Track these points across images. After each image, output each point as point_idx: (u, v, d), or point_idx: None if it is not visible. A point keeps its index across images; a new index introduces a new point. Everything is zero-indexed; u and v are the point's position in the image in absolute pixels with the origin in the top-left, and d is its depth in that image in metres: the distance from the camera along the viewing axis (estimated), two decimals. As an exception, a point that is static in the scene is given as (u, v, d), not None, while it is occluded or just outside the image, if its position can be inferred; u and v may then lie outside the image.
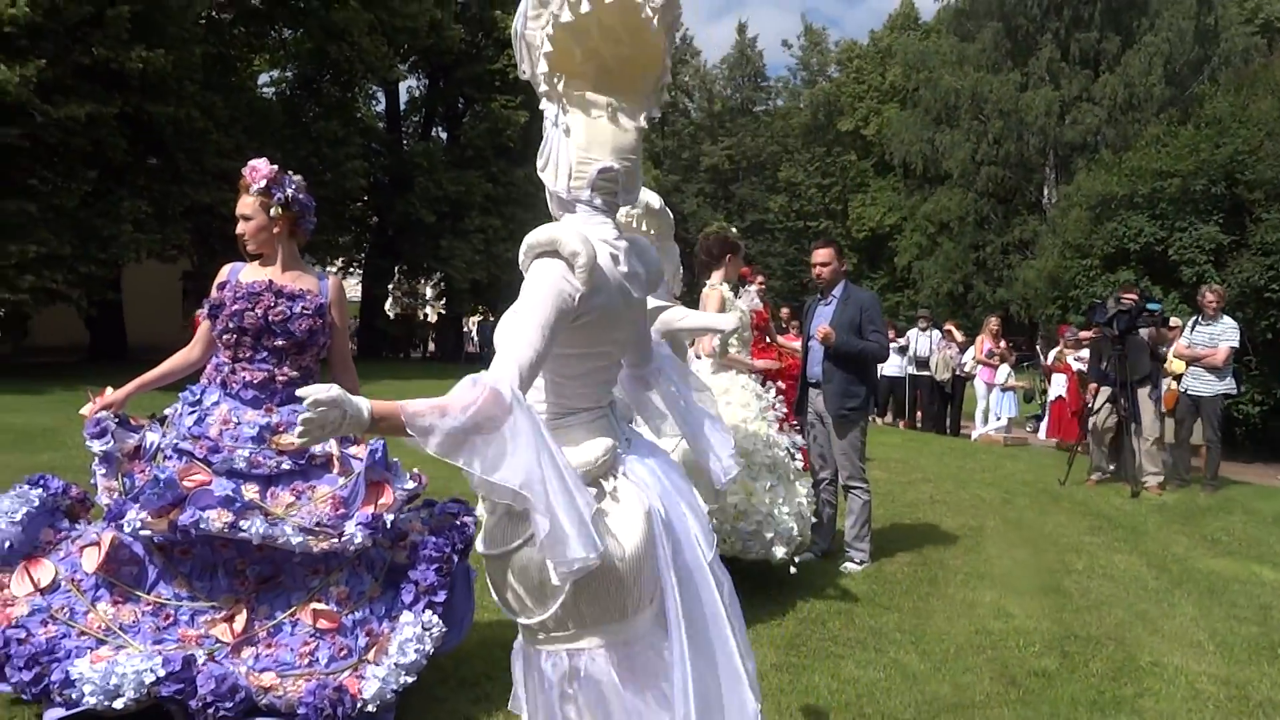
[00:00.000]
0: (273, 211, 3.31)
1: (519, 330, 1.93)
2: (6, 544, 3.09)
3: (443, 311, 32.95)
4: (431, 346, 32.19)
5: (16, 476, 3.57)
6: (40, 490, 3.34)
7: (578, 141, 2.12)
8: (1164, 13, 29.64)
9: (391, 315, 32.54)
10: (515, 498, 1.80)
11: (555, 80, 2.10)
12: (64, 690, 2.81)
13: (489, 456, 1.78)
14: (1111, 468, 9.42)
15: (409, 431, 1.75)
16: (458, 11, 27.17)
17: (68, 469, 7.09)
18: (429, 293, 36.05)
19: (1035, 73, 31.42)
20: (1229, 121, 14.23)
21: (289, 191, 3.34)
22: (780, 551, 4.64)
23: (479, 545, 2.16)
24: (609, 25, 2.09)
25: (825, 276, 5.79)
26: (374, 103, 30.77)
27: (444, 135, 31.42)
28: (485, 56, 28.17)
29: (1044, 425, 13.76)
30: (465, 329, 31.48)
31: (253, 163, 3.35)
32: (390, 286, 32.26)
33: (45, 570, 3.09)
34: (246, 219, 3.33)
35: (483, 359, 28.40)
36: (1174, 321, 10.15)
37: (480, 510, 3.51)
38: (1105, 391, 9.11)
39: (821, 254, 5.83)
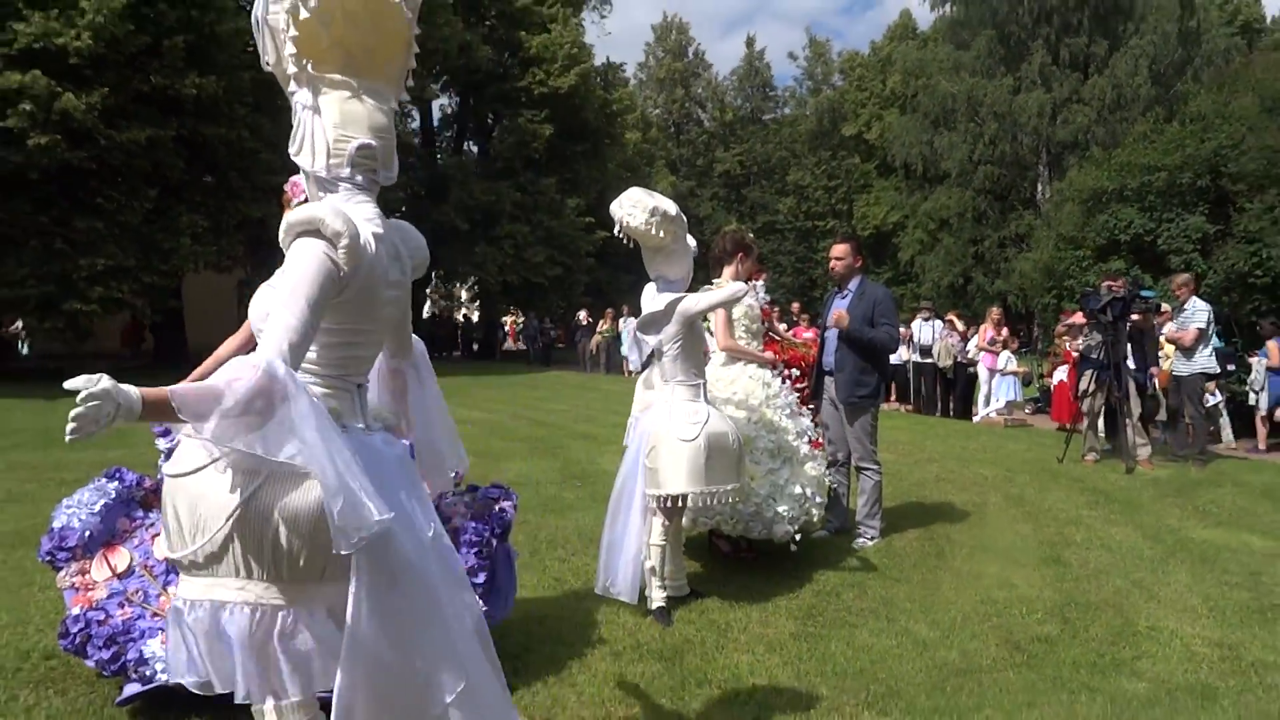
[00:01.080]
0: None
1: (285, 309, 1.82)
2: (87, 533, 3.13)
3: (472, 314, 33.11)
4: (474, 346, 32.27)
5: (93, 472, 3.62)
6: (116, 483, 3.37)
7: (332, 120, 2.04)
8: (1149, 16, 29.28)
9: (427, 316, 32.66)
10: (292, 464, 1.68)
11: (304, 64, 2.01)
12: (139, 668, 2.85)
13: (270, 438, 1.66)
14: (1108, 447, 9.34)
15: (182, 417, 1.61)
16: (485, 34, 27.22)
17: (137, 464, 7.19)
18: (463, 295, 36.20)
19: (1027, 76, 31.11)
20: (1212, 118, 14.04)
21: None
22: (781, 530, 4.63)
23: (165, 467, 2.00)
24: (352, 11, 2.01)
25: (839, 270, 5.77)
26: (409, 120, 30.86)
27: (475, 149, 31.50)
28: (512, 75, 28.21)
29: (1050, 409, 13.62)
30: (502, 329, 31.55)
31: (293, 179, 3.36)
32: (428, 290, 32.41)
33: (121, 557, 3.13)
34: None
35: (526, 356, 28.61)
36: (1165, 308, 10.04)
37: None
38: (1095, 375, 9.02)
39: (837, 249, 5.80)
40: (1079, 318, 9.80)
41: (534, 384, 18.70)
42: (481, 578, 3.29)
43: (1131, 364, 9.07)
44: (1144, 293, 8.88)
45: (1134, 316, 8.79)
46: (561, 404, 14.26)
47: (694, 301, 4.13)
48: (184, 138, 15.85)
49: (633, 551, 4.15)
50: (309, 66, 2.02)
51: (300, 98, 2.06)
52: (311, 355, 2.00)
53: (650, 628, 3.96)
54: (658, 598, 4.11)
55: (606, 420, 11.65)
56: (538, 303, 28.92)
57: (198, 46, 15.45)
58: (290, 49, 1.99)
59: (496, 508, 3.52)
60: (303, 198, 3.29)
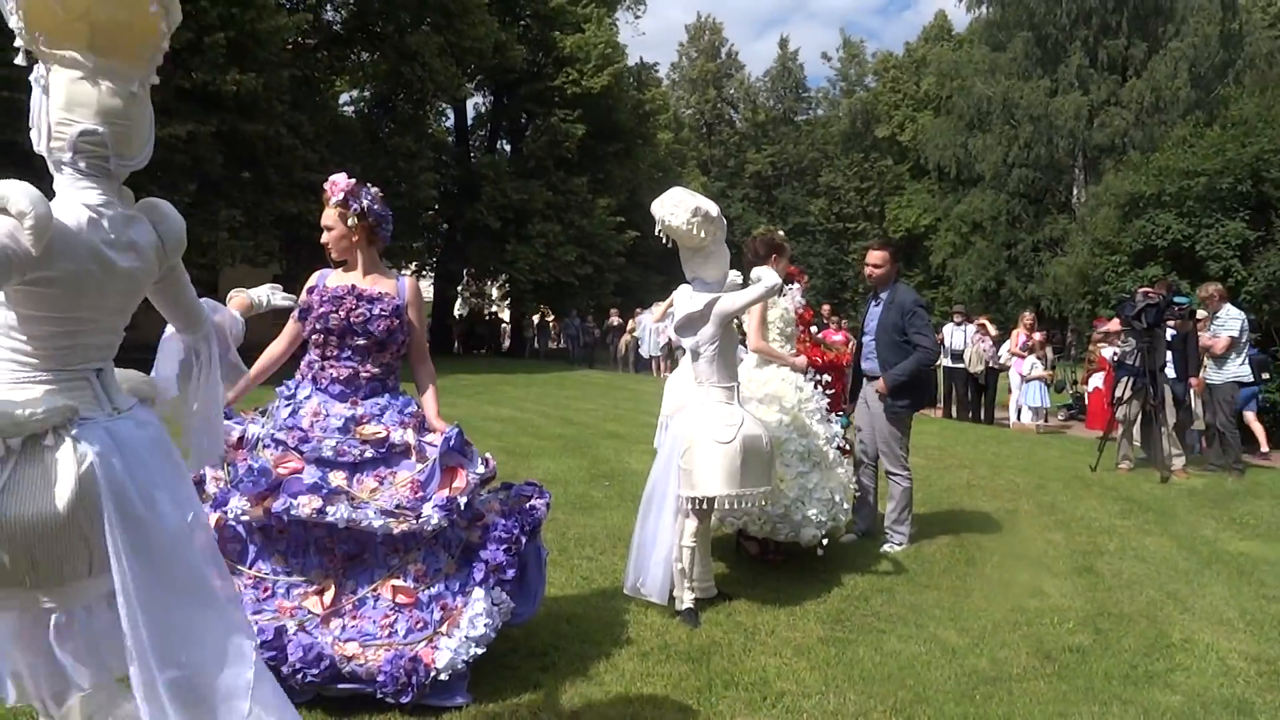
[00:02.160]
0: (350, 221, 3.35)
1: None
2: None
3: (501, 312, 33.27)
4: (507, 343, 32.38)
5: None
6: None
7: (58, 102, 1.94)
8: (1189, 18, 28.77)
9: (459, 315, 32.85)
10: None
11: (36, 37, 1.90)
12: None
13: None
14: (1143, 455, 9.20)
15: None
16: (519, 33, 27.33)
17: (174, 455, 7.31)
18: (494, 294, 36.37)
19: (1064, 79, 30.71)
20: (1255, 122, 13.76)
21: (365, 203, 3.38)
22: (809, 533, 4.61)
23: None
24: None
25: (875, 277, 5.73)
26: (444, 119, 31.05)
27: (508, 148, 31.63)
28: (546, 74, 28.30)
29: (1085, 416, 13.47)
30: (532, 328, 31.57)
31: (333, 178, 3.40)
32: (460, 288, 32.59)
33: None
34: (329, 229, 3.38)
35: (567, 355, 28.63)
36: (1200, 314, 9.87)
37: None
38: (1131, 382, 8.89)
39: (874, 256, 5.75)
40: (1115, 324, 9.65)
41: (562, 383, 18.75)
42: (510, 574, 3.31)
43: (1172, 372, 8.94)
44: (1178, 299, 8.73)
45: (1169, 323, 8.65)
46: (590, 403, 14.29)
47: (730, 301, 4.11)
48: (223, 133, 16.05)
49: (664, 552, 4.15)
50: (41, 41, 1.91)
51: (36, 73, 1.97)
52: (27, 348, 1.96)
53: (677, 629, 3.96)
54: (686, 599, 4.11)
55: (635, 420, 11.66)
56: (569, 301, 28.99)
57: (238, 43, 15.63)
58: (17, 21, 1.87)
59: (528, 504, 3.53)
60: (342, 195, 3.33)
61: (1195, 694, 3.51)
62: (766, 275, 4.15)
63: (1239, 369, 9.00)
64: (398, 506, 3.10)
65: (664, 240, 4.13)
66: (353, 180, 3.40)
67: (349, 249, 3.39)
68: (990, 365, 13.82)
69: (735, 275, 4.43)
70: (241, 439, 3.28)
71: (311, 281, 3.44)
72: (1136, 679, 3.63)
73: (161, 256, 2.21)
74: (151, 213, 2.17)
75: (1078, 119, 29.92)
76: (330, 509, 3.04)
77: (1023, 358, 13.29)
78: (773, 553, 5.11)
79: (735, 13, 73.78)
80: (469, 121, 31.36)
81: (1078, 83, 30.46)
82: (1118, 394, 9.06)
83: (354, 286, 3.34)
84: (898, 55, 47.05)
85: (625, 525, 4.75)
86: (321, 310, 3.29)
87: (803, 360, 5.29)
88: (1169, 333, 8.90)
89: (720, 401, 4.14)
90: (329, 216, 3.38)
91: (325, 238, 3.40)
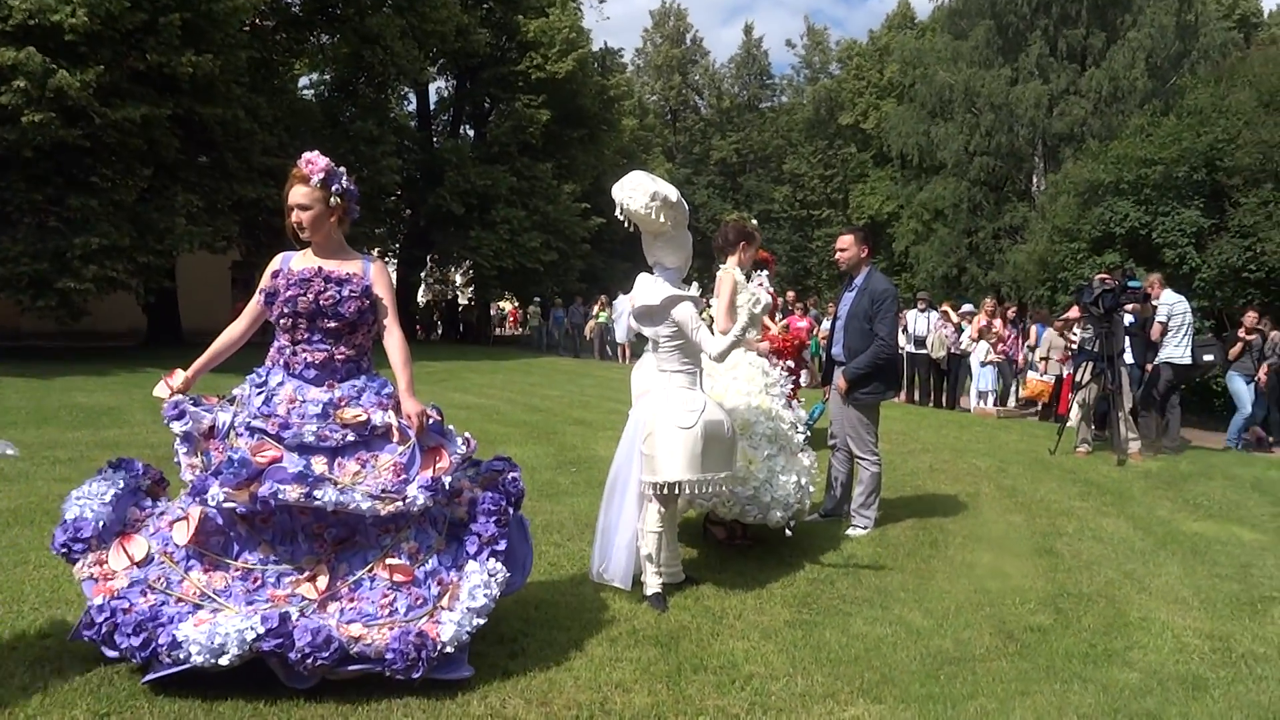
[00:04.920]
0: (332, 201, 3.29)
1: None
2: (100, 523, 3.11)
3: (467, 298, 33.01)
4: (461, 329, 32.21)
5: (87, 451, 3.61)
6: (124, 473, 3.36)
7: None
8: (1146, 9, 29.19)
9: (422, 302, 32.58)
10: None
11: None
12: (171, 652, 2.84)
13: None
14: (1101, 438, 9.39)
15: None
16: (482, 17, 27.05)
17: (131, 445, 7.16)
18: (458, 280, 36.10)
19: (1025, 68, 31.01)
20: (1209, 112, 14.05)
21: (344, 183, 3.33)
22: (777, 515, 4.64)
23: None
24: None
25: (843, 261, 5.75)
26: (406, 103, 30.67)
27: (471, 133, 31.37)
28: (509, 59, 28.07)
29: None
30: (492, 313, 31.41)
31: (307, 156, 3.30)
32: (423, 274, 32.31)
33: (138, 546, 3.12)
34: (305, 208, 3.27)
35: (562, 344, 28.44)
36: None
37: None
38: (1090, 366, 9.06)
39: (841, 240, 5.77)
40: (1074, 312, 9.82)
41: (528, 369, 18.68)
42: (502, 545, 3.33)
43: (1131, 358, 9.13)
44: (1131, 283, 8.90)
45: (1127, 308, 8.82)
46: (556, 389, 14.25)
47: (715, 346, 4.04)
48: (179, 117, 15.69)
49: (627, 537, 4.16)
50: None
51: None
52: None
53: (646, 613, 3.96)
54: (653, 584, 4.11)
55: (601, 406, 11.65)
56: (534, 287, 28.84)
57: (194, 24, 15.26)
58: None
59: (507, 477, 3.56)
60: (322, 175, 3.27)
61: (1152, 671, 3.58)
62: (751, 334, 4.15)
63: (1172, 351, 9.31)
64: (383, 491, 3.08)
65: (626, 224, 4.11)
66: (328, 159, 3.32)
67: (325, 229, 3.32)
68: (952, 351, 13.99)
69: (694, 288, 4.35)
70: (212, 428, 3.22)
71: (275, 265, 3.36)
72: (1096, 657, 3.71)
73: None
74: None
75: (1038, 108, 30.26)
76: (318, 493, 3.01)
77: (977, 342, 13.47)
78: (740, 538, 5.13)
79: (699, 0, 73.69)
80: (431, 106, 31.06)
81: (1038, 72, 30.79)
82: (1077, 378, 9.21)
83: (321, 269, 3.28)
84: (861, 43, 47.22)
85: (592, 511, 4.75)
86: (289, 294, 3.23)
87: (765, 345, 5.32)
88: (1128, 318, 9.07)
89: (682, 387, 4.14)
90: (305, 195, 3.26)
91: (298, 217, 3.27)
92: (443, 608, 3.13)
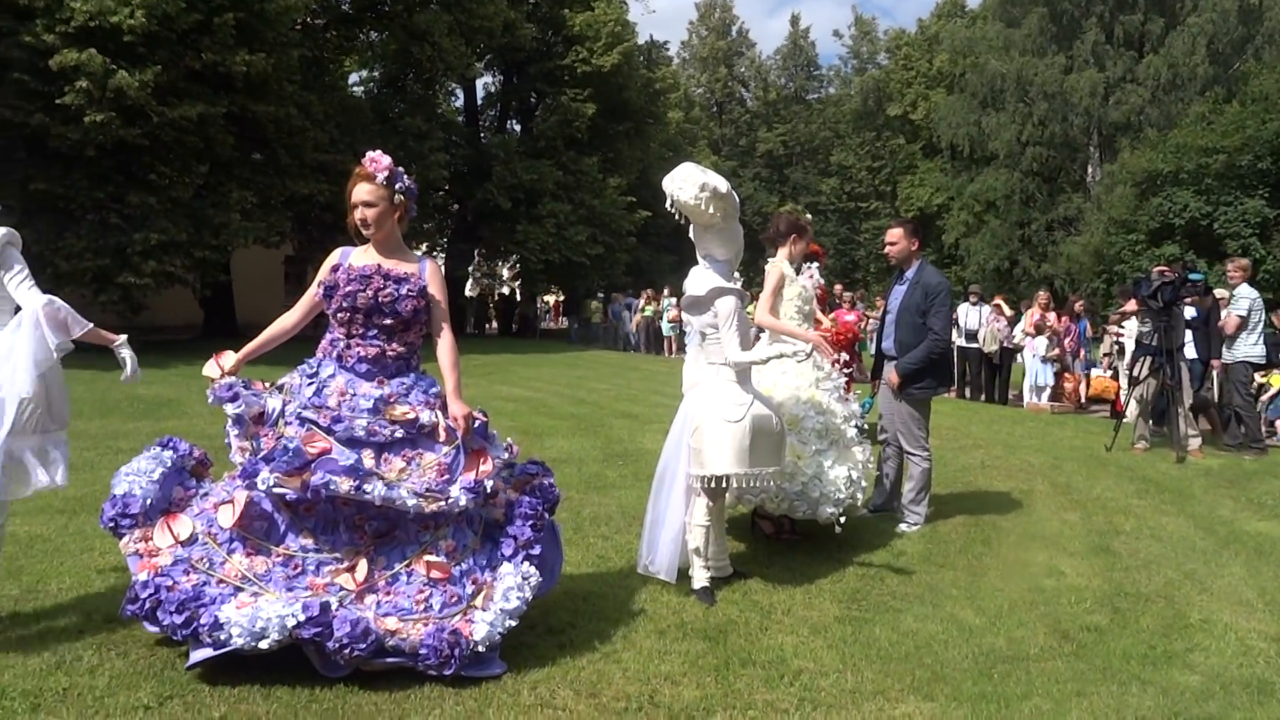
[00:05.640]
0: (396, 199, 3.36)
1: None
2: (148, 501, 3.20)
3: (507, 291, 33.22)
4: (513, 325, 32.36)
5: (147, 441, 3.69)
6: (170, 452, 3.44)
7: None
8: (1208, -7, 28.38)
9: (469, 296, 32.85)
10: None
11: None
12: (213, 632, 2.91)
13: None
14: (1159, 434, 9.16)
15: None
16: (529, 12, 27.16)
17: (190, 434, 7.33)
18: (505, 274, 36.35)
19: (1080, 56, 30.35)
20: (1275, 98, 13.61)
21: (406, 181, 3.40)
22: (827, 511, 4.60)
23: None
24: None
25: (893, 255, 5.69)
26: (453, 99, 30.94)
27: (518, 127, 31.51)
28: (556, 53, 28.16)
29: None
30: (540, 306, 31.52)
31: (371, 154, 3.35)
32: (470, 268, 32.58)
33: (183, 525, 3.19)
34: (370, 205, 3.31)
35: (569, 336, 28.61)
36: (1220, 293, 9.78)
37: None
38: (1149, 361, 8.84)
39: (891, 233, 5.72)
40: (1132, 304, 9.59)
41: (574, 362, 18.76)
42: (537, 549, 3.38)
43: (1192, 352, 8.87)
44: (1192, 276, 8.65)
45: (1187, 301, 8.59)
46: (603, 383, 14.30)
47: (735, 353, 4.03)
48: (234, 115, 16.02)
49: (673, 530, 4.15)
50: None
51: None
52: None
53: (694, 607, 3.96)
54: (701, 578, 4.11)
55: (648, 399, 11.66)
56: (579, 280, 28.92)
57: (247, 24, 15.57)
58: None
59: (544, 482, 3.61)
60: (387, 173, 3.32)
61: (1214, 674, 3.49)
62: (781, 347, 4.13)
63: (1250, 349, 8.95)
64: (427, 489, 3.13)
65: (676, 216, 4.11)
66: (390, 158, 3.38)
67: (389, 227, 3.38)
68: (1005, 345, 13.75)
69: (733, 284, 4.30)
70: (262, 414, 3.28)
71: (334, 259, 3.42)
72: (1155, 659, 3.62)
73: None
74: None
75: (1093, 96, 29.61)
76: (367, 487, 3.06)
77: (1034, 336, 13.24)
78: (788, 532, 5.11)
79: (746, -9, 73.13)
80: (479, 101, 31.28)
81: (1093, 59, 30.11)
82: (1135, 373, 9.00)
83: (380, 266, 3.33)
84: (910, 32, 46.58)
85: (639, 504, 4.76)
86: (349, 289, 3.28)
87: (814, 335, 5.26)
88: (1190, 312, 8.83)
89: (730, 380, 4.12)
90: (371, 193, 3.31)
91: (363, 214, 3.31)
92: (476, 607, 3.17)
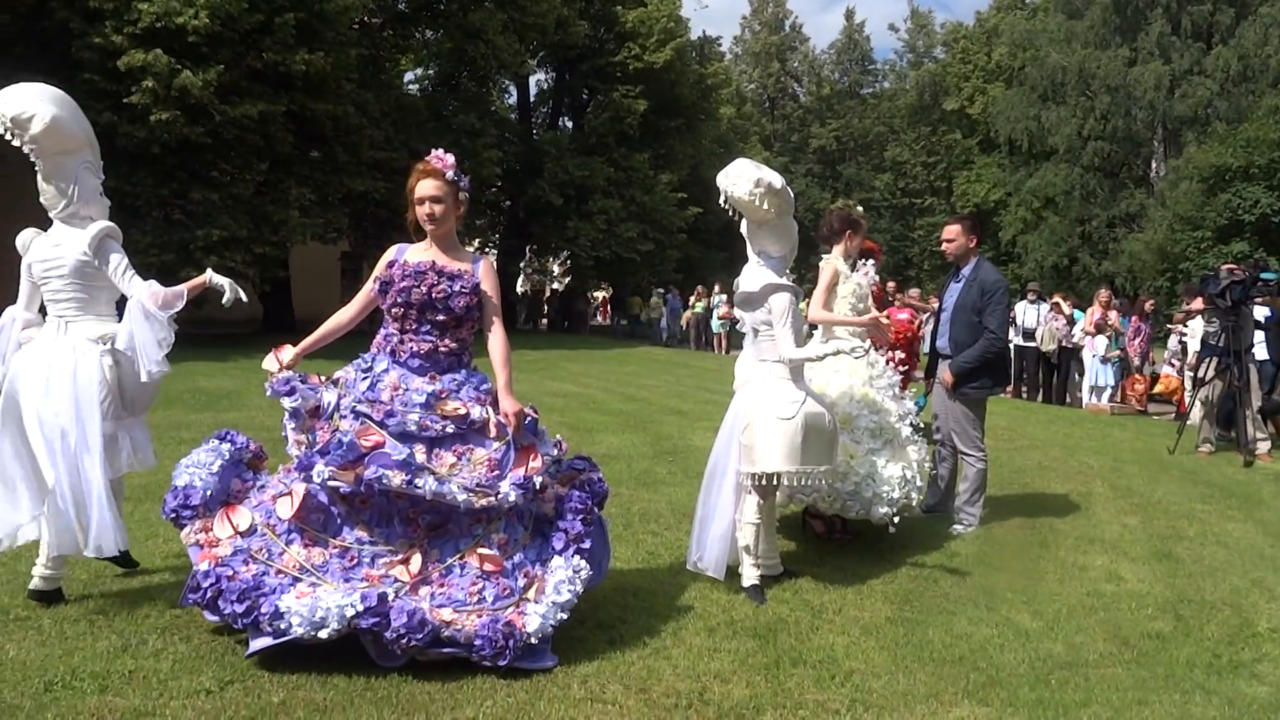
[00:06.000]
0: (460, 196, 3.45)
1: None
2: (208, 492, 3.28)
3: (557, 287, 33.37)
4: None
5: (209, 433, 3.79)
6: (228, 445, 3.53)
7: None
8: (1282, -18, 27.40)
9: (520, 292, 33.08)
10: None
11: None
12: (273, 621, 2.97)
13: None
14: (1226, 438, 8.89)
15: None
16: (581, 8, 27.26)
17: (249, 427, 7.49)
18: (555, 269, 36.55)
19: (1145, 48, 29.56)
20: (1353, 90, 13.10)
21: (466, 180, 3.48)
22: (880, 511, 4.54)
23: None
24: None
25: (950, 252, 5.61)
26: (506, 96, 31.20)
27: (570, 124, 31.67)
28: (608, 50, 28.23)
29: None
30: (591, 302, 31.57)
31: (438, 153, 3.42)
32: (522, 265, 32.82)
33: (242, 516, 3.27)
34: (437, 201, 3.36)
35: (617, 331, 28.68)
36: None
37: None
38: (1215, 362, 8.58)
39: (948, 230, 5.64)
40: (1198, 303, 9.31)
41: (624, 359, 18.80)
42: (588, 544, 3.40)
43: (1264, 353, 8.60)
44: (1265, 275, 8.37)
45: (1258, 301, 8.31)
46: (652, 379, 14.31)
47: (789, 349, 4.02)
48: (293, 113, 16.35)
49: (723, 528, 4.13)
50: None
51: None
52: None
53: (743, 605, 3.95)
54: (751, 576, 4.09)
55: (697, 396, 11.65)
56: (630, 277, 28.97)
57: (307, 24, 15.89)
58: None
59: (592, 477, 3.63)
60: (454, 172, 3.39)
61: (1284, 685, 3.38)
62: (832, 345, 4.13)
63: None
64: (477, 485, 3.16)
65: (729, 212, 4.09)
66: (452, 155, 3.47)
67: (450, 224, 3.45)
68: (1063, 344, 13.46)
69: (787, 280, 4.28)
70: (318, 407, 3.34)
71: (390, 255, 3.47)
72: (1220, 668, 3.52)
73: None
74: None
75: (1158, 89, 28.80)
76: (419, 481, 3.11)
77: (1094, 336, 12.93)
78: (840, 532, 5.06)
79: (800, -15, 72.43)
80: (531, 98, 31.48)
81: (1158, 51, 29.30)
82: (1200, 374, 8.75)
83: (435, 262, 3.37)
84: (968, 25, 45.83)
85: (689, 501, 4.75)
86: (403, 284, 3.33)
87: (869, 317, 5.18)
88: (1263, 312, 8.55)
89: (782, 378, 4.09)
90: (438, 189, 3.36)
91: (432, 209, 3.35)
92: (528, 599, 3.20)
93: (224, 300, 3.78)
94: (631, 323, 28.61)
